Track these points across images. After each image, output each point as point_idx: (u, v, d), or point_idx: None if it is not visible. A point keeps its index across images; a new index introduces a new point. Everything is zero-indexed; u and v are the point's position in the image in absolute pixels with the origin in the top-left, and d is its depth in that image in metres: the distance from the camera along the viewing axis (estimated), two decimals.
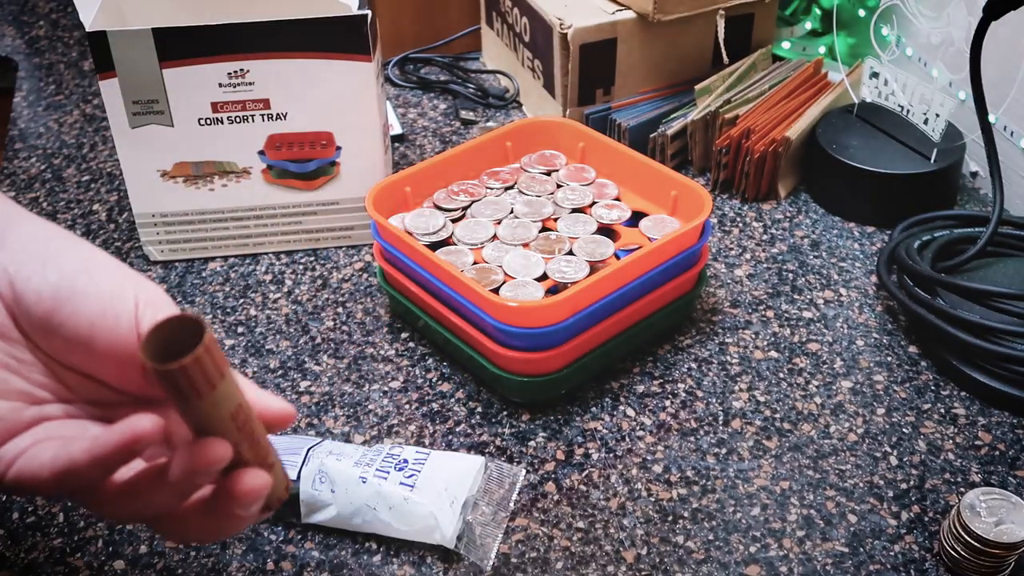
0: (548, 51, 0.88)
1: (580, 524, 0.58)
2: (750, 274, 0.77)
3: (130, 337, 0.40)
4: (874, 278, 0.76)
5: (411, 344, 0.71)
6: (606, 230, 0.71)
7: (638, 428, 0.64)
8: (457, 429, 0.64)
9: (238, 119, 0.73)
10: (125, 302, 0.40)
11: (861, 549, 0.56)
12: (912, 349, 0.70)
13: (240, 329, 0.72)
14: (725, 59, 0.90)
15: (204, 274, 0.78)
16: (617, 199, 0.74)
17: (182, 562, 0.56)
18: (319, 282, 0.77)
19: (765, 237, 0.80)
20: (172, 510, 0.40)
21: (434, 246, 0.69)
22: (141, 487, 0.39)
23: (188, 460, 0.36)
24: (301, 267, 0.78)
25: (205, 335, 0.34)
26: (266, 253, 0.80)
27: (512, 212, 0.73)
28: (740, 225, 0.82)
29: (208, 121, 0.73)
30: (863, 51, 0.95)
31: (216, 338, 0.36)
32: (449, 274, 0.63)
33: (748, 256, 0.78)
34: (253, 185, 0.76)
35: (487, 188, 0.75)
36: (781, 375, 0.68)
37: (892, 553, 0.56)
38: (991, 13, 0.68)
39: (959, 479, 0.60)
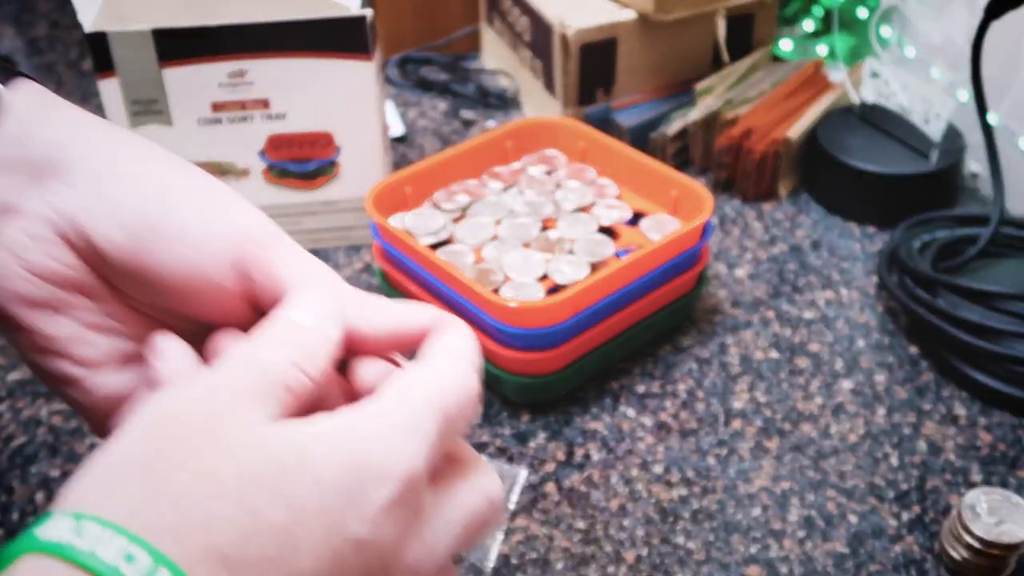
0: (548, 51, 0.88)
1: (580, 525, 0.58)
2: (751, 274, 0.76)
3: (227, 279, 0.36)
4: (875, 278, 0.76)
5: None
6: (606, 230, 0.71)
7: (638, 428, 0.64)
8: None
9: (238, 119, 0.73)
10: (216, 241, 0.35)
11: (862, 549, 0.56)
12: (913, 349, 0.70)
13: None
14: (725, 59, 0.90)
15: None
16: (618, 199, 0.74)
17: None
18: None
19: (766, 237, 0.80)
20: None
21: (434, 246, 0.69)
22: None
23: None
24: None
25: None
26: None
27: (512, 212, 0.73)
28: (741, 225, 0.82)
29: (208, 121, 0.73)
30: (863, 51, 0.95)
31: None
32: (449, 274, 0.63)
33: (749, 256, 0.78)
34: (253, 185, 0.76)
35: (487, 188, 0.75)
36: (782, 375, 0.68)
37: (893, 553, 0.56)
38: (991, 13, 0.68)
39: (960, 479, 0.60)
